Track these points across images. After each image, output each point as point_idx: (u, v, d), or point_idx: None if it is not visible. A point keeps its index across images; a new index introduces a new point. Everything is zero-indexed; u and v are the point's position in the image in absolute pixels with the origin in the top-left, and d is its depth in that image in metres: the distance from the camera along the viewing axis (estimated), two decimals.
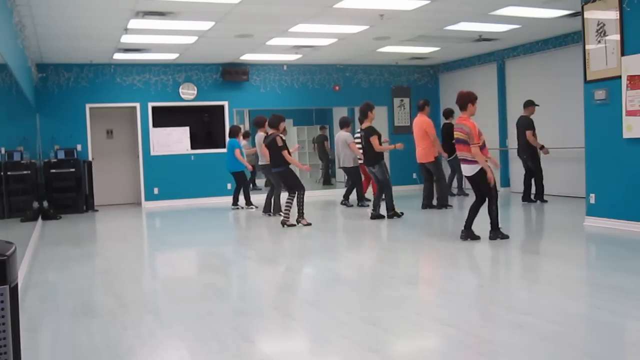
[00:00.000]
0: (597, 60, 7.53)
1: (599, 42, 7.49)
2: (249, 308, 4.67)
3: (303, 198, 8.73)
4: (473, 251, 6.51)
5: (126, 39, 9.87)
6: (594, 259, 6.56)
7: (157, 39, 10.08)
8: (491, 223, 6.89)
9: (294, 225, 8.64)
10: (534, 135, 10.32)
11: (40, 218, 10.51)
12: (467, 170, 6.83)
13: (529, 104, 10.47)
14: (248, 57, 12.55)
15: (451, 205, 10.27)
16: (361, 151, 9.59)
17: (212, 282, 5.65)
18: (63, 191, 11.76)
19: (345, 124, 10.96)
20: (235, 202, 11.58)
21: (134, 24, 8.79)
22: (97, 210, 12.23)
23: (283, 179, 8.90)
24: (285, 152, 8.63)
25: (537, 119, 11.42)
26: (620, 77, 7.19)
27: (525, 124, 10.32)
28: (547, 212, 9.86)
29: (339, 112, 13.93)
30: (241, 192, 11.50)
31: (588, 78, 7.70)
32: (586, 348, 3.48)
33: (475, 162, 6.66)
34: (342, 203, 11.31)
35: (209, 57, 12.31)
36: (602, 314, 4.11)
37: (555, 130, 11.49)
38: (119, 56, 11.62)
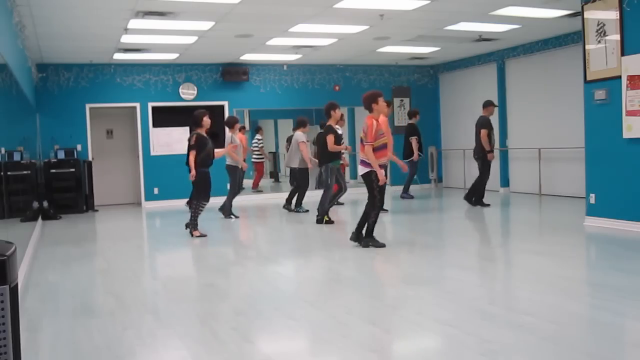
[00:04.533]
0: (597, 60, 7.53)
1: (599, 42, 7.49)
2: (249, 308, 4.67)
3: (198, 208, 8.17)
4: (473, 251, 6.51)
5: (126, 39, 9.87)
6: (594, 259, 6.56)
7: (157, 39, 10.08)
8: (366, 229, 6.70)
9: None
10: (489, 136, 10.08)
11: (40, 218, 10.50)
12: (359, 170, 6.74)
13: (489, 104, 10.30)
14: (248, 57, 12.55)
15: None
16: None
17: (212, 282, 5.65)
18: (63, 191, 11.76)
19: (302, 124, 10.69)
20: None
21: (134, 24, 8.79)
22: (97, 210, 12.23)
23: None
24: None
25: (537, 119, 11.40)
26: (620, 77, 7.20)
27: (482, 124, 10.13)
28: (547, 212, 9.86)
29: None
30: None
31: (588, 78, 7.70)
32: (586, 348, 3.48)
33: (367, 163, 6.54)
34: (284, 207, 10.75)
35: (209, 57, 12.31)
36: (602, 314, 4.12)
37: (555, 130, 11.49)
38: (119, 56, 11.62)
